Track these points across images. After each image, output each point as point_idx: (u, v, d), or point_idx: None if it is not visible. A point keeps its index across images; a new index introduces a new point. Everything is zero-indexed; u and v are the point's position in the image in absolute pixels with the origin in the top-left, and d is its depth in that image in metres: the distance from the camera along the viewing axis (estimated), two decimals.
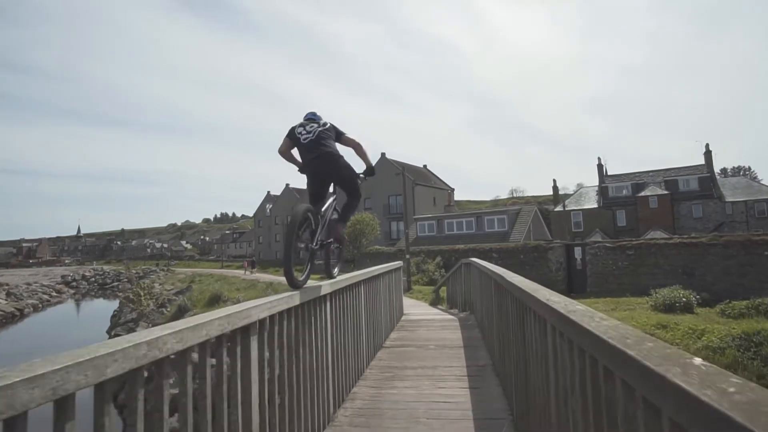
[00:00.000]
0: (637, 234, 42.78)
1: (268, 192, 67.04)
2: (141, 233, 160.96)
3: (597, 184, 50.77)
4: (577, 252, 18.82)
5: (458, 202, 60.27)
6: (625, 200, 46.52)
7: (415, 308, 12.98)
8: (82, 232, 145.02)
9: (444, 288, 13.20)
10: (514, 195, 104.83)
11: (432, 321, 9.45)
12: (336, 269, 4.34)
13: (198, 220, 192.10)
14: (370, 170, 4.19)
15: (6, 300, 37.57)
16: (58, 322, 31.42)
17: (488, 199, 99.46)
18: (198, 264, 68.91)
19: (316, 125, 3.88)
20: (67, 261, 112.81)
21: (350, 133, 4.05)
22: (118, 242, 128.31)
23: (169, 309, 15.97)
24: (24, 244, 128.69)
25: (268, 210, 65.47)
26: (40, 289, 47.19)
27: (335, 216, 4.11)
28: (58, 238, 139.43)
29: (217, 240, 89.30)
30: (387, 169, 44.12)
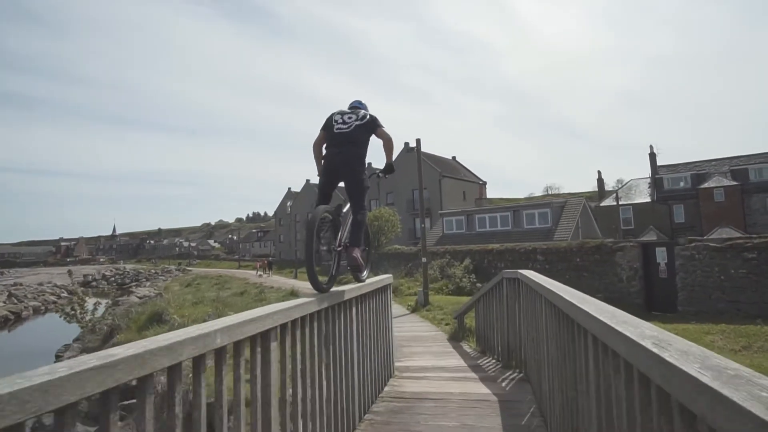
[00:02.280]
0: (700, 232, 36.38)
1: (289, 189, 63.09)
2: (177, 232, 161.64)
3: (648, 175, 44.53)
4: (659, 254, 13.33)
5: (489, 200, 54.72)
6: (683, 193, 39.97)
7: (425, 345, 8.00)
8: (120, 231, 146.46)
9: (473, 313, 8.26)
10: (549, 192, 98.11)
11: (447, 396, 4.55)
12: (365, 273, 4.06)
13: (231, 220, 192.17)
14: (389, 168, 3.95)
15: (5, 302, 34.80)
16: (43, 329, 27.92)
17: (521, 196, 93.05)
18: (218, 264, 66.46)
19: (354, 117, 3.65)
20: (101, 259, 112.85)
21: (386, 128, 3.75)
22: (151, 241, 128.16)
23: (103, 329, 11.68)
24: (62, 243, 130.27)
25: (288, 207, 61.42)
26: (49, 290, 44.49)
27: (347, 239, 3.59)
28: (94, 237, 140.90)
29: (242, 239, 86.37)
30: (411, 160, 39.03)
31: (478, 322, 7.32)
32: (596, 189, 50.29)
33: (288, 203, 61.88)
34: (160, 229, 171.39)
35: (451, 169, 43.26)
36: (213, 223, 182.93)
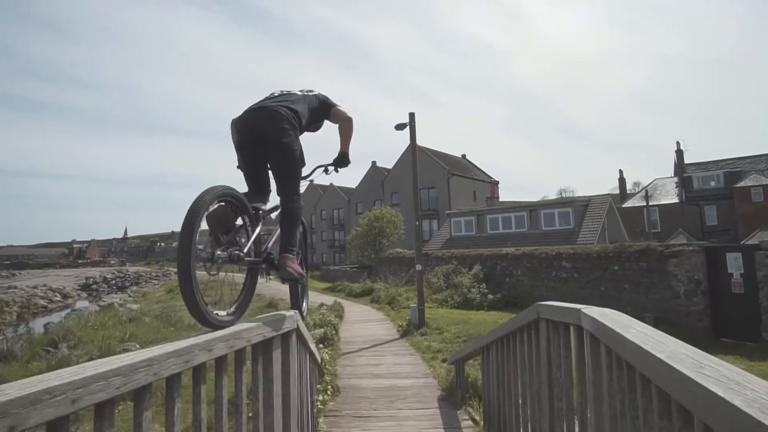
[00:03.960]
0: (735, 236, 32.56)
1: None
2: None
3: (672, 175, 40.77)
4: (732, 261, 9.86)
5: (501, 203, 51.00)
6: (715, 193, 36.22)
7: (399, 408, 4.75)
8: (132, 234, 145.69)
9: (477, 362, 4.98)
10: (563, 195, 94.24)
11: None
12: (304, 305, 3.31)
13: None
14: (343, 158, 2.91)
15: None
16: None
17: (534, 200, 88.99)
18: None
19: (286, 94, 2.68)
20: (112, 262, 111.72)
21: (344, 106, 2.89)
22: (161, 244, 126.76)
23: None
24: (75, 245, 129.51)
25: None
26: (40, 293, 42.14)
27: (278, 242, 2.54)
28: (107, 240, 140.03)
29: None
30: (418, 158, 35.81)
31: (488, 383, 4.08)
32: (613, 191, 46.66)
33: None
34: (173, 232, 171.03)
35: (460, 168, 39.88)
36: None
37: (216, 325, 1.91)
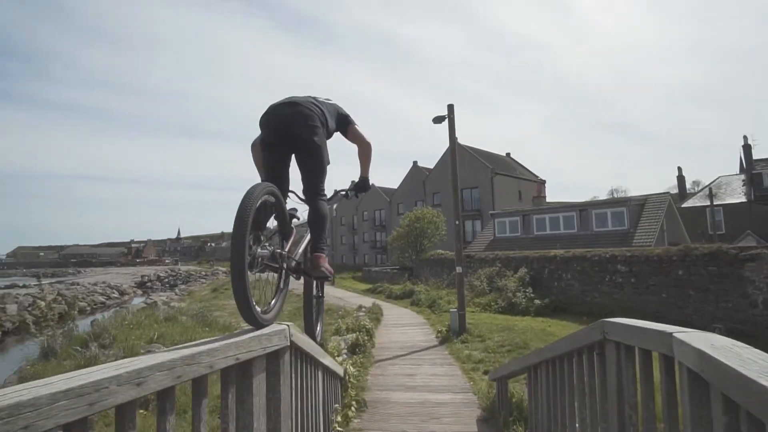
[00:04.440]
0: None
1: (335, 190, 60.40)
2: None
3: (737, 172, 37.62)
4: None
5: (548, 204, 48.80)
6: None
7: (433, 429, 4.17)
8: (186, 234, 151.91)
9: (523, 377, 4.32)
10: (615, 196, 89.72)
11: None
12: (318, 328, 3.12)
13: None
14: (363, 183, 2.93)
15: (51, 302, 34.29)
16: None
17: (583, 200, 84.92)
18: None
19: (313, 99, 2.55)
20: (167, 261, 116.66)
21: (362, 128, 2.80)
22: (212, 244, 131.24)
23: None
24: (133, 245, 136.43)
25: (334, 210, 58.86)
26: (99, 290, 44.28)
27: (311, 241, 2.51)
28: (162, 240, 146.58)
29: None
30: (459, 156, 34.87)
31: (535, 410, 3.41)
32: (669, 191, 43.64)
33: (334, 206, 59.35)
34: (223, 233, 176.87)
35: (504, 166, 38.54)
36: (272, 228, 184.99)
37: (264, 326, 1.91)
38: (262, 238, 2.11)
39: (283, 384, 2.03)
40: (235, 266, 1.76)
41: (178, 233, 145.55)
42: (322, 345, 3.39)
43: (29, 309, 18.23)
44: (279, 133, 2.37)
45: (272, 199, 2.08)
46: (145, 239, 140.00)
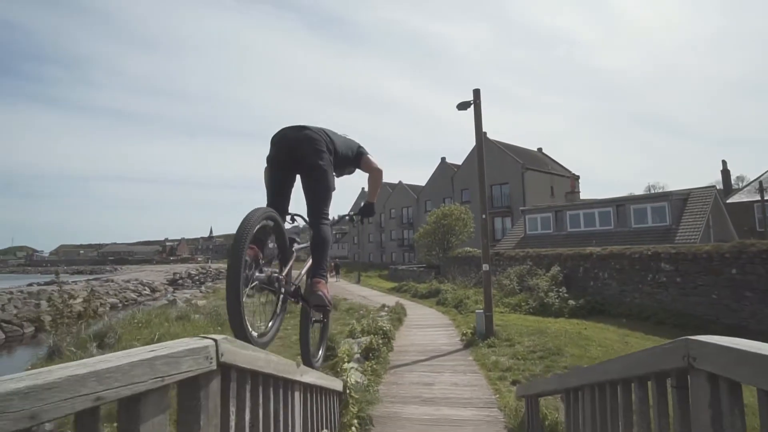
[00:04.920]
0: None
1: (363, 189, 60.01)
2: None
3: None
4: None
5: (582, 200, 46.77)
6: None
7: None
8: (218, 233, 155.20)
9: (554, 400, 3.57)
10: (653, 192, 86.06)
11: None
12: (320, 353, 3.06)
13: None
14: (369, 208, 3.08)
15: (83, 299, 35.15)
16: None
17: (619, 197, 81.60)
18: (297, 264, 65.87)
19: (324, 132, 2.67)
20: (199, 259, 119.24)
21: (375, 157, 3.01)
22: None
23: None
24: (167, 243, 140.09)
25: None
26: (132, 287, 45.21)
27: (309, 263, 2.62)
28: (194, 239, 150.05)
29: None
30: (488, 152, 33.72)
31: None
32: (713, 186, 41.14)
33: (361, 203, 58.98)
34: None
35: (536, 161, 37.15)
36: (301, 226, 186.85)
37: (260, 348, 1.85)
38: (261, 261, 2.10)
39: (208, 424, 1.41)
40: (230, 288, 1.78)
41: (210, 232, 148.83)
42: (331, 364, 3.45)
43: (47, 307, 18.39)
44: (285, 152, 2.46)
45: (271, 223, 2.11)
46: (179, 238, 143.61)
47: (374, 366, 6.15)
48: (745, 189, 37.09)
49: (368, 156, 2.93)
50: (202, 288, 34.96)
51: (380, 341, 7.15)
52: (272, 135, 2.54)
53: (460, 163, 40.34)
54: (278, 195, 2.50)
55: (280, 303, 2.31)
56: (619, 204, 21.79)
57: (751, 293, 9.65)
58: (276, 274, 2.21)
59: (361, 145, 3.00)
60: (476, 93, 9.50)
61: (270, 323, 2.19)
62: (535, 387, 3.53)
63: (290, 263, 2.39)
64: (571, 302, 13.21)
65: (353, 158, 2.85)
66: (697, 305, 10.71)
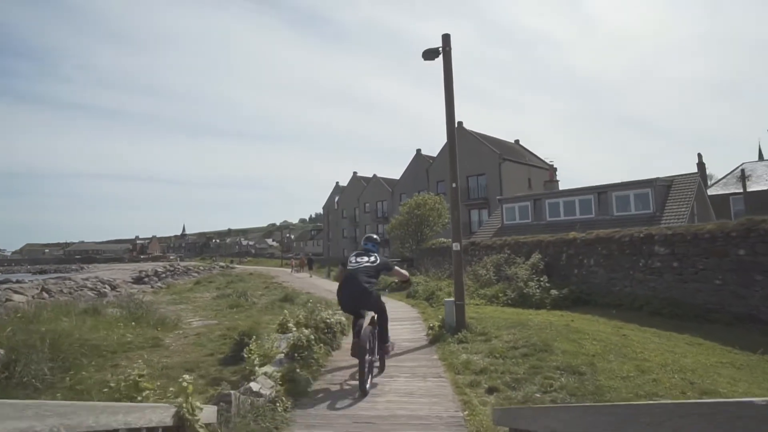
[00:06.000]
0: None
1: (337, 183, 58.10)
2: (244, 233, 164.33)
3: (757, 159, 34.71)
4: None
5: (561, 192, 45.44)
6: None
7: None
8: (192, 231, 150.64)
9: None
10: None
11: None
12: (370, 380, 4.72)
13: (295, 221, 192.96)
14: (404, 282, 7.04)
15: (33, 297, 32.41)
16: None
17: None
18: (267, 261, 64.32)
19: (365, 259, 5.19)
20: (171, 257, 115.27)
21: (400, 268, 5.85)
22: (216, 240, 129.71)
23: None
24: (138, 242, 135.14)
25: (335, 203, 56.44)
26: (90, 285, 42.35)
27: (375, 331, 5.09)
28: (166, 237, 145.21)
29: (297, 238, 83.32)
30: (465, 142, 32.27)
31: None
32: (696, 173, 40.65)
33: (335, 198, 56.98)
34: (229, 229, 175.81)
35: (513, 153, 35.89)
36: (278, 224, 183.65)
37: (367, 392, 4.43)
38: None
39: None
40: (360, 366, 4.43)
41: (183, 230, 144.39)
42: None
43: None
44: (351, 305, 5.10)
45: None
46: (150, 236, 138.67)
47: (296, 372, 4.42)
48: (720, 181, 36.66)
49: (396, 268, 5.64)
50: (152, 284, 32.55)
51: (313, 337, 5.40)
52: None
53: (435, 155, 38.88)
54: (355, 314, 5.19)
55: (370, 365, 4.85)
56: (601, 191, 20.54)
57: (763, 276, 8.25)
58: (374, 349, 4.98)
59: (384, 260, 5.42)
60: (445, 39, 7.83)
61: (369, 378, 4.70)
62: (527, 413, 1.86)
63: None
64: (554, 292, 11.72)
65: (387, 268, 5.41)
66: (697, 292, 9.30)
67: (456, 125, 7.84)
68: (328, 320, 6.53)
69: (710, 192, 33.36)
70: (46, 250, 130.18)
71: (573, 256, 12.72)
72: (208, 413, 2.40)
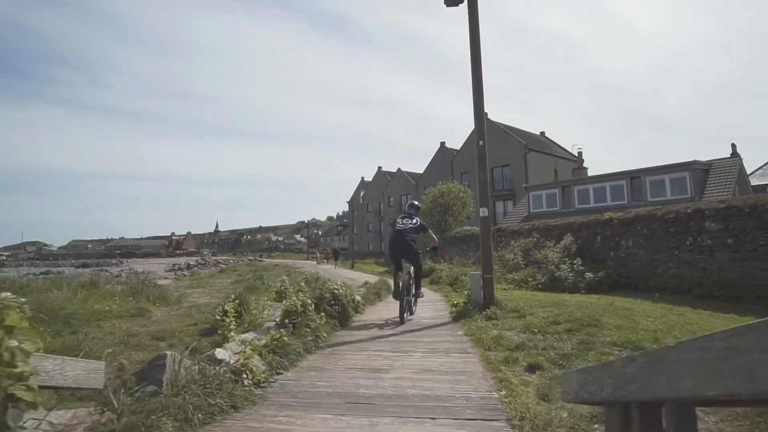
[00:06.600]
0: None
1: (362, 178, 57.21)
2: (274, 230, 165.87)
3: None
4: None
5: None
6: None
7: None
8: (226, 228, 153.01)
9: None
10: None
11: None
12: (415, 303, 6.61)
13: (323, 218, 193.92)
14: (434, 248, 7.03)
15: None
16: None
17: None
18: (295, 255, 64.45)
19: (409, 221, 6.33)
20: (204, 252, 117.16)
21: (431, 232, 6.82)
22: (248, 237, 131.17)
23: None
24: (174, 238, 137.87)
25: (360, 198, 55.64)
26: (124, 276, 43.09)
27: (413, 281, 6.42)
28: (201, 234, 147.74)
29: (325, 233, 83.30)
30: (489, 132, 30.81)
31: None
32: (738, 157, 38.07)
33: (360, 193, 56.19)
34: (260, 227, 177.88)
35: (539, 144, 34.26)
36: (306, 221, 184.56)
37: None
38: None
39: None
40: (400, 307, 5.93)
41: (216, 226, 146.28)
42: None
43: None
44: (398, 254, 6.26)
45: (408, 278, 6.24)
46: (185, 232, 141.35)
47: (287, 342, 3.49)
48: (757, 172, 34.19)
49: (429, 231, 6.67)
50: (184, 272, 32.40)
51: (311, 302, 4.42)
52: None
53: (459, 148, 37.56)
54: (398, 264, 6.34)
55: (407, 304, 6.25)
56: (634, 176, 18.97)
57: None
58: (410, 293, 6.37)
59: (422, 223, 6.51)
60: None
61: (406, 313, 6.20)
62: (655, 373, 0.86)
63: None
64: (589, 275, 10.50)
65: (423, 230, 6.47)
66: (758, 272, 7.98)
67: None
68: (336, 291, 5.61)
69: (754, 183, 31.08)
70: (89, 246, 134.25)
71: (609, 237, 11.45)
72: (75, 375, 1.48)
